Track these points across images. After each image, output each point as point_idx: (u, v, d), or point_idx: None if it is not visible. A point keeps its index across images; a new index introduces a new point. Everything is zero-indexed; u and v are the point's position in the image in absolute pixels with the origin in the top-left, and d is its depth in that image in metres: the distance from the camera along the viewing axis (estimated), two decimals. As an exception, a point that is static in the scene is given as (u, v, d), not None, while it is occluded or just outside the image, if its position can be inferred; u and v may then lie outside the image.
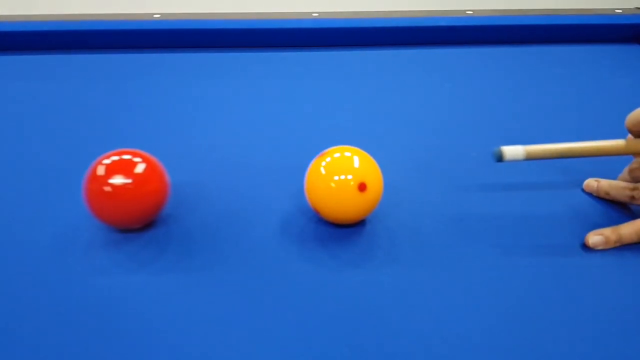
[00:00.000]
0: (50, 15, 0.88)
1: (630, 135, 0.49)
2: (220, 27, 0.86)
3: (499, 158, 0.47)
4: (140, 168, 0.45)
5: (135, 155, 0.46)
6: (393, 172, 0.56)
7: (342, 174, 0.44)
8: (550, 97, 0.74)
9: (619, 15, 0.93)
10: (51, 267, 0.44)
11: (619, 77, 0.80)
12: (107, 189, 0.43)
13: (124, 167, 0.44)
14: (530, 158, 0.47)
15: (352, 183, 0.44)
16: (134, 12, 0.89)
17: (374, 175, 0.46)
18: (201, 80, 0.77)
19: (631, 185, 0.51)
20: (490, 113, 0.69)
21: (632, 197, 0.50)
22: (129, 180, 0.44)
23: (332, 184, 0.44)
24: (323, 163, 0.46)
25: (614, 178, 0.53)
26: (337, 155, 0.46)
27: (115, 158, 0.45)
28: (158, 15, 0.87)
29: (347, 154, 0.46)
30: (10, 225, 0.49)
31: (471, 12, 0.92)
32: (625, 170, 0.52)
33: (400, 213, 0.51)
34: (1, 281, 0.43)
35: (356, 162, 0.46)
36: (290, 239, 0.48)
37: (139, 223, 0.47)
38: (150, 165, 0.46)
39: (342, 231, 0.49)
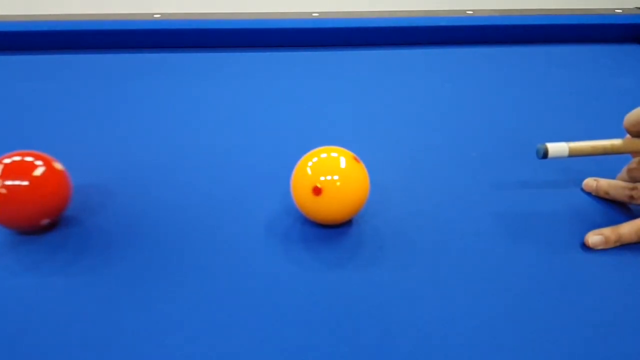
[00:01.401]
0: (50, 15, 0.88)
1: (628, 136, 0.49)
2: (220, 27, 0.86)
3: (543, 155, 0.45)
4: (38, 170, 0.45)
5: (37, 157, 0.46)
6: (390, 172, 0.56)
7: (328, 174, 0.44)
8: (550, 97, 0.74)
9: (619, 15, 0.93)
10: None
11: (619, 77, 0.80)
12: (2, 190, 0.43)
13: (21, 169, 0.44)
14: (573, 155, 0.46)
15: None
16: (134, 12, 0.89)
17: (359, 176, 0.46)
18: (201, 80, 0.77)
19: (630, 184, 0.51)
20: (489, 113, 0.69)
21: (631, 197, 0.50)
22: (25, 182, 0.44)
23: (318, 185, 0.44)
24: (309, 163, 0.46)
25: (613, 177, 0.53)
26: (323, 155, 0.46)
27: (17, 159, 0.45)
28: (158, 15, 0.88)
29: (334, 154, 0.46)
30: None
31: (471, 12, 0.92)
32: (624, 169, 0.52)
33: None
34: None
35: (342, 162, 0.45)
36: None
37: (35, 225, 0.46)
38: (49, 168, 0.46)
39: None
